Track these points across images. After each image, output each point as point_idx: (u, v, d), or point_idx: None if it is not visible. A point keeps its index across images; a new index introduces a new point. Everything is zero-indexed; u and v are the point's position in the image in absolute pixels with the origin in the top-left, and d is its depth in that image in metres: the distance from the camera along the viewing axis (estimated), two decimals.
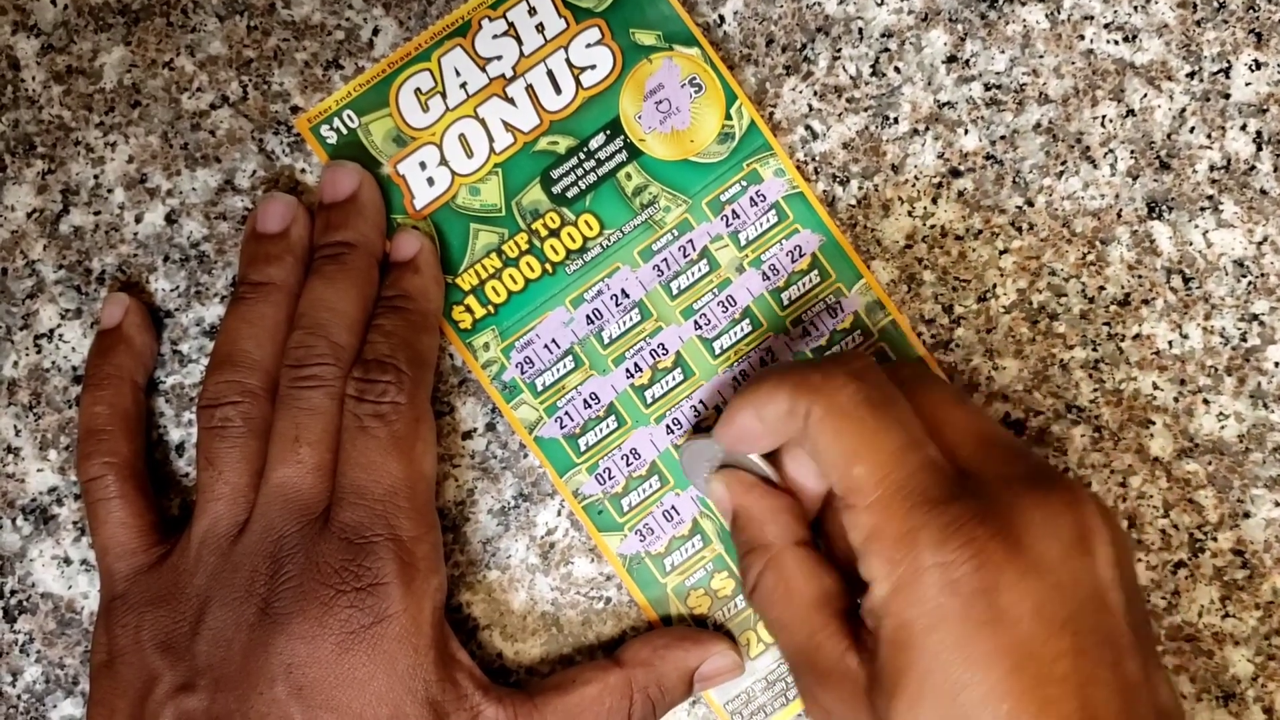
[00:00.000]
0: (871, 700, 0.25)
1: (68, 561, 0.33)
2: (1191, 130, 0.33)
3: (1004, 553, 0.23)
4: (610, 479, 0.33)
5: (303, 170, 0.34)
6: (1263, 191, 0.33)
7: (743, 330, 0.33)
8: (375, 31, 0.34)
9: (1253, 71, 0.33)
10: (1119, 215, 0.33)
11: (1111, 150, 0.33)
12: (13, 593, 0.33)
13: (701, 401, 0.33)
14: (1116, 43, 0.33)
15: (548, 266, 0.33)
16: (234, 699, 0.28)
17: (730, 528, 0.30)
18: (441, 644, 0.29)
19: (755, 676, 0.32)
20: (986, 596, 0.23)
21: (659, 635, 0.31)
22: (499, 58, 0.33)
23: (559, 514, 0.33)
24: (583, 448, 0.33)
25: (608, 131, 0.33)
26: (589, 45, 0.33)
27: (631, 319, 0.33)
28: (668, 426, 0.33)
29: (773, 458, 0.29)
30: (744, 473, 0.29)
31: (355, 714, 0.28)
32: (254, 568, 0.29)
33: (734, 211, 0.33)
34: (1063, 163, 0.33)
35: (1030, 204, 0.33)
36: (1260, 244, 0.33)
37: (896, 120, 0.33)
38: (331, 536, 0.29)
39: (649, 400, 0.33)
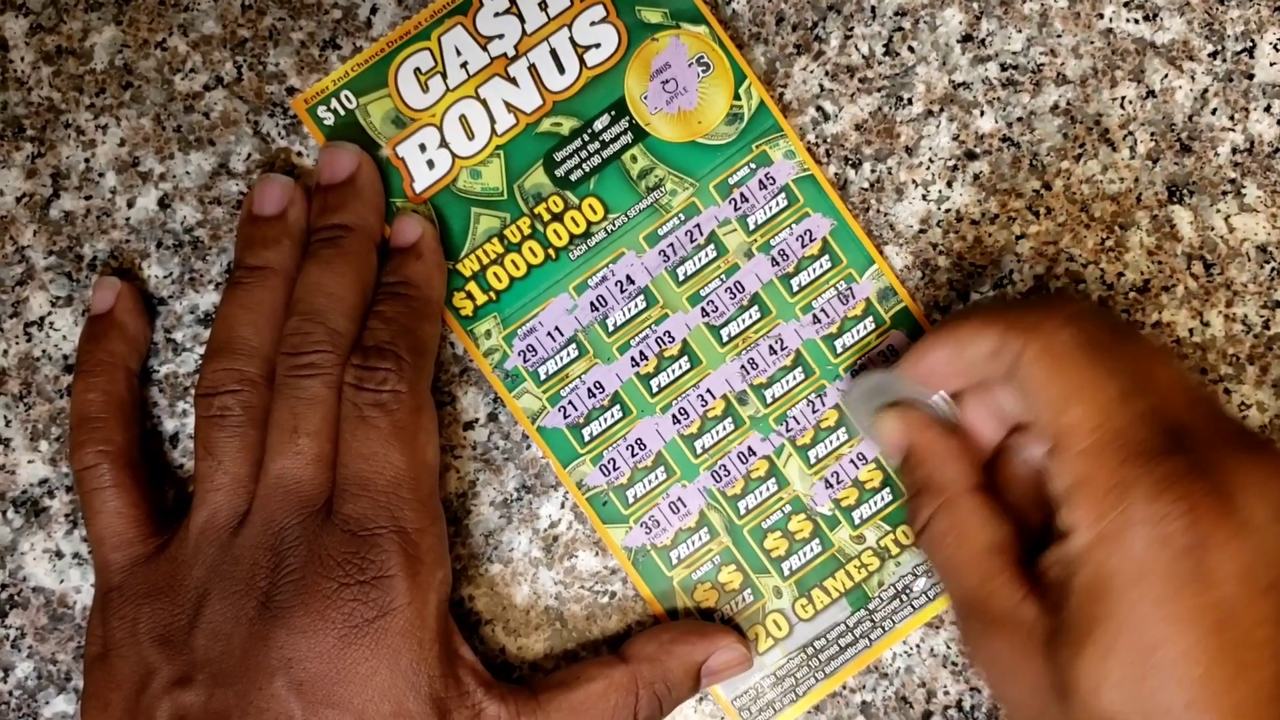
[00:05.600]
0: (1051, 650, 0.25)
1: (59, 555, 0.32)
2: (1214, 112, 0.32)
3: (1217, 512, 0.23)
4: (615, 470, 0.32)
5: (299, 153, 0.33)
6: None
7: (751, 317, 0.32)
8: (373, 10, 0.33)
9: (1277, 51, 0.32)
10: (1139, 199, 0.32)
11: (1131, 132, 0.32)
12: (3, 587, 0.32)
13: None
14: (1136, 21, 0.33)
15: (551, 252, 0.32)
16: (233, 694, 0.27)
17: (900, 466, 0.29)
18: (445, 639, 0.29)
19: (764, 672, 0.32)
20: (1195, 554, 0.23)
21: (665, 630, 0.31)
22: (500, 36, 0.32)
23: (562, 506, 0.32)
24: (587, 438, 0.32)
25: (612, 112, 0.32)
26: (593, 23, 0.32)
27: (637, 306, 0.32)
28: (674, 416, 0.32)
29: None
30: (919, 410, 0.29)
31: (357, 710, 0.27)
32: (254, 561, 0.28)
33: (742, 195, 0.32)
34: (1081, 145, 0.32)
35: (1048, 188, 0.32)
36: None
37: (910, 101, 0.33)
38: (334, 529, 0.28)
39: (655, 389, 0.32)
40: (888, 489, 0.32)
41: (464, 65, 0.32)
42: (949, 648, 0.32)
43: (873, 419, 0.30)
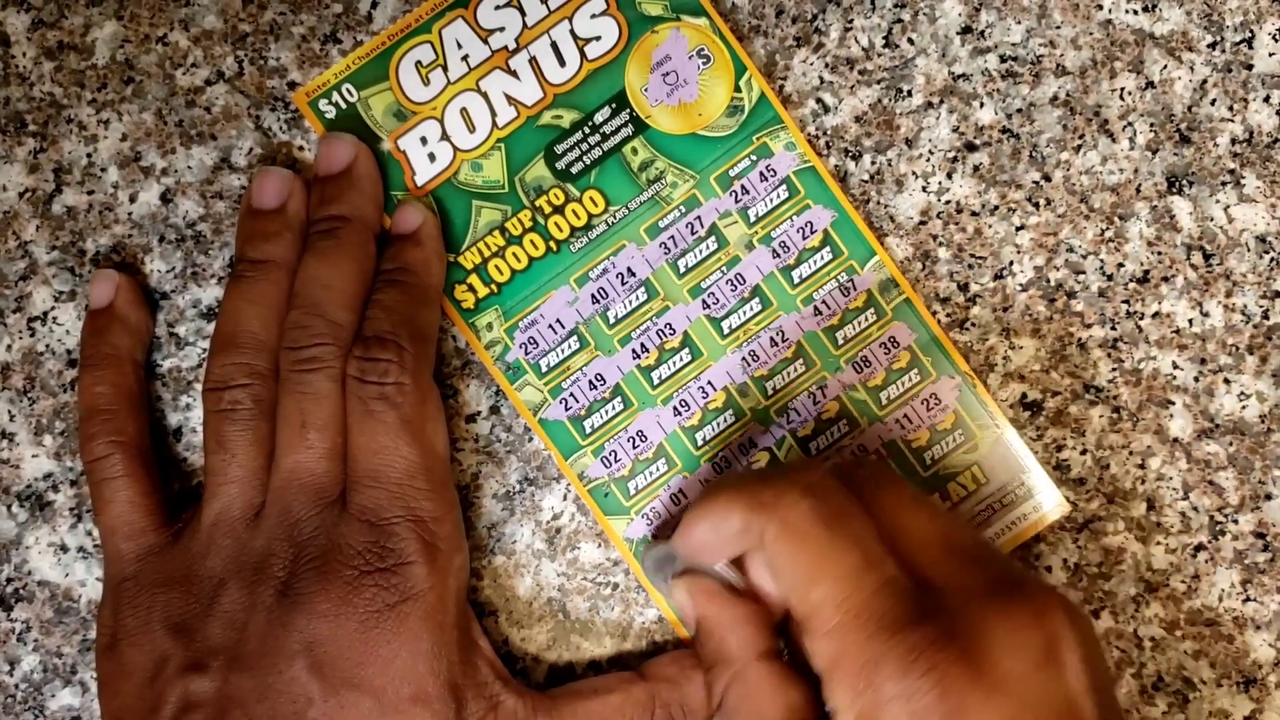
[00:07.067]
0: None
1: (64, 549, 0.33)
2: (1213, 102, 0.32)
3: (968, 676, 0.23)
4: (616, 462, 0.32)
5: (301, 147, 0.33)
6: None
7: (752, 309, 0.32)
8: (374, 4, 0.33)
9: (1276, 41, 0.32)
10: (1138, 190, 0.32)
11: (1130, 123, 0.32)
12: (9, 581, 0.32)
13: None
14: (1135, 12, 0.33)
15: (552, 244, 0.32)
16: (249, 679, 0.27)
17: (694, 637, 0.29)
18: (465, 626, 0.29)
19: None
20: None
21: (688, 655, 0.31)
22: (501, 29, 0.32)
23: (565, 498, 0.32)
24: (588, 430, 0.32)
25: (613, 105, 0.32)
26: (594, 16, 0.32)
27: (638, 298, 0.32)
28: (675, 408, 0.32)
29: (736, 561, 0.28)
30: (706, 579, 0.28)
31: (377, 691, 0.27)
32: (271, 551, 0.28)
33: (743, 187, 0.32)
34: (1080, 136, 0.32)
35: (1047, 179, 0.32)
36: None
37: (910, 93, 0.33)
38: (351, 519, 0.28)
39: (656, 381, 0.32)
40: None
41: (465, 58, 0.32)
42: None
43: (668, 588, 0.30)
